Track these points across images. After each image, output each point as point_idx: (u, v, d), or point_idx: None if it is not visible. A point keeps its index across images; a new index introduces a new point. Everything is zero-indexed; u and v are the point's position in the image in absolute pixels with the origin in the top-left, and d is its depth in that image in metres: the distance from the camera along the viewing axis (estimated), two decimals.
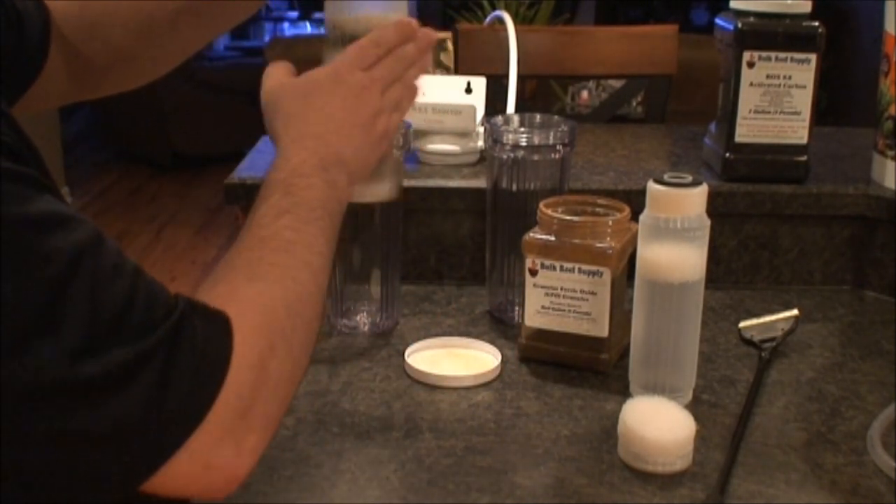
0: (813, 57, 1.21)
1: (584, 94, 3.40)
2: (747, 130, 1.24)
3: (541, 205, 1.03)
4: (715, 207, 1.00)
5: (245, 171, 1.26)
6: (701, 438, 0.88)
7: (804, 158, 1.25)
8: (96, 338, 0.56)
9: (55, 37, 0.85)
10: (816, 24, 1.22)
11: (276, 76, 0.86)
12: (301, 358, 0.70)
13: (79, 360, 0.55)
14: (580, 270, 1.00)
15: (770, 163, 1.25)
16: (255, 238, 0.72)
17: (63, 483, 0.57)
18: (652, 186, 0.92)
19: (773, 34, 1.21)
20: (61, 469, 0.57)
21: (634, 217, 0.99)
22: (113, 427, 0.57)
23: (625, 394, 0.97)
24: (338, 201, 0.79)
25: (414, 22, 0.87)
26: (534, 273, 1.02)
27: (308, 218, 0.75)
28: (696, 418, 0.88)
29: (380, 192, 1.00)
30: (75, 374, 0.55)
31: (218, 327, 0.63)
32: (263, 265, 0.70)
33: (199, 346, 0.61)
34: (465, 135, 1.30)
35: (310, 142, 0.79)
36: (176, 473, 0.60)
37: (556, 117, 1.16)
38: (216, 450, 0.61)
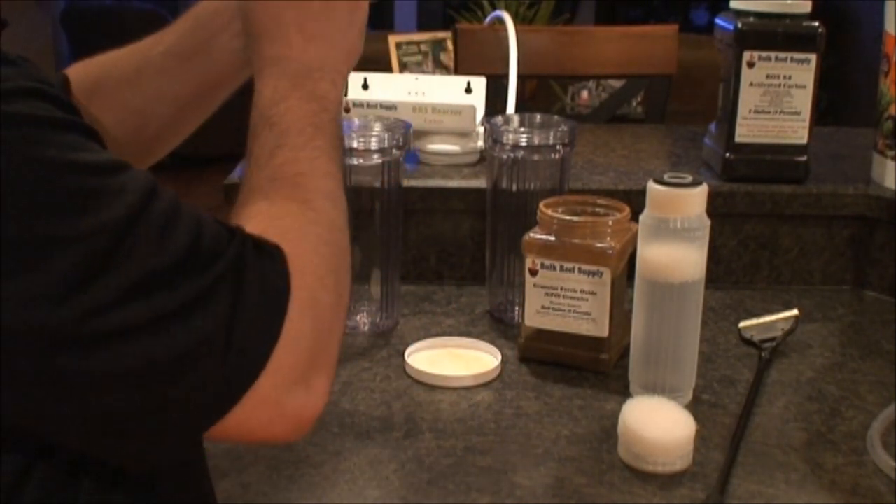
0: (813, 57, 1.21)
1: (584, 94, 3.41)
2: (747, 130, 1.24)
3: (541, 205, 1.03)
4: (715, 207, 1.00)
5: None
6: (701, 438, 0.88)
7: (804, 158, 1.25)
8: (164, 275, 0.56)
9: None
10: (816, 24, 1.22)
11: None
12: (346, 285, 0.68)
13: (147, 296, 0.55)
14: (580, 270, 1.00)
15: (770, 163, 1.25)
16: (263, 178, 0.70)
17: (132, 426, 0.57)
18: (652, 186, 0.92)
19: (773, 34, 1.21)
20: (129, 411, 0.56)
21: (634, 217, 0.99)
22: (184, 360, 0.56)
23: (625, 394, 0.97)
24: (325, 110, 0.75)
25: None
26: (534, 273, 1.02)
27: (298, 143, 0.72)
28: (696, 418, 0.88)
29: None
30: (143, 310, 0.55)
31: (272, 263, 0.62)
32: (280, 204, 0.68)
33: (262, 275, 0.60)
34: (465, 135, 1.30)
35: (274, 66, 0.76)
36: (248, 414, 0.59)
37: (556, 117, 1.16)
38: (287, 390, 0.60)
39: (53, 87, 0.59)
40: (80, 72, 0.90)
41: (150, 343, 0.55)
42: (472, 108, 1.29)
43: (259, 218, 0.67)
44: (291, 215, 0.68)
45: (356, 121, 1.13)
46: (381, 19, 5.88)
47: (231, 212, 0.70)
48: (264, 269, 0.61)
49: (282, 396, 0.60)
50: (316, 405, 0.63)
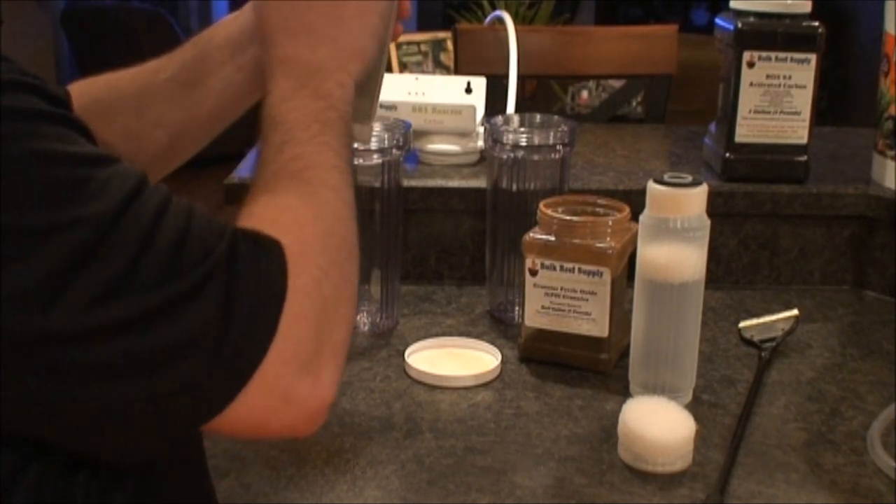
0: (813, 57, 1.21)
1: (584, 94, 3.41)
2: (747, 130, 1.24)
3: (541, 205, 1.03)
4: (715, 207, 1.00)
5: (245, 171, 1.26)
6: (701, 438, 0.88)
7: (804, 158, 1.25)
8: (150, 270, 0.56)
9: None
10: (816, 24, 1.22)
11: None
12: (352, 277, 0.68)
13: (133, 291, 0.55)
14: (580, 270, 1.00)
15: (770, 163, 1.25)
16: (269, 174, 0.71)
17: (121, 421, 0.56)
18: (652, 186, 0.92)
19: (773, 34, 1.21)
20: (118, 406, 0.56)
21: (634, 217, 0.99)
22: (171, 355, 0.56)
23: (625, 394, 0.97)
24: (331, 108, 0.75)
25: None
26: (534, 273, 1.02)
27: (303, 139, 0.72)
28: (696, 418, 0.88)
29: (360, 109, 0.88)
30: (129, 305, 0.55)
31: (272, 251, 0.62)
32: (284, 197, 0.69)
33: (256, 268, 0.60)
34: (465, 135, 1.30)
35: (283, 66, 0.76)
36: (253, 406, 0.59)
37: (556, 117, 1.16)
38: (293, 380, 0.60)
39: (39, 79, 0.59)
40: (81, 89, 0.91)
41: (137, 338, 0.55)
42: (472, 108, 1.29)
43: (263, 212, 0.67)
44: (294, 208, 0.68)
45: None
46: None
47: (235, 210, 0.70)
48: (259, 262, 0.61)
49: (287, 387, 0.60)
50: (325, 395, 0.63)
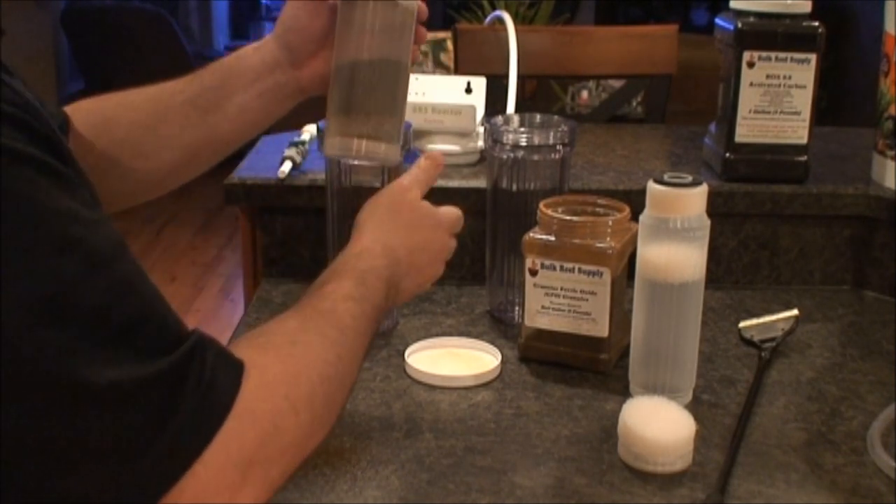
0: (813, 57, 1.21)
1: (584, 94, 3.40)
2: (747, 130, 1.24)
3: (541, 205, 1.03)
4: (715, 207, 1.00)
5: (245, 171, 1.26)
6: (701, 438, 0.88)
7: (804, 158, 1.25)
8: (104, 344, 0.54)
9: (72, 138, 0.86)
10: (816, 24, 1.22)
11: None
12: (318, 434, 0.68)
13: (84, 363, 0.53)
14: (580, 270, 1.00)
15: (770, 163, 1.25)
16: (313, 307, 0.73)
17: (54, 499, 0.55)
18: (652, 186, 0.92)
19: (773, 34, 1.21)
20: (52, 482, 0.54)
21: (634, 217, 0.99)
22: (111, 444, 0.54)
23: (625, 394, 0.97)
24: (379, 321, 0.79)
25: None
26: (534, 273, 1.02)
27: (371, 316, 0.76)
28: (696, 418, 0.88)
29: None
30: (79, 375, 0.53)
31: (230, 369, 0.61)
32: (311, 333, 0.70)
33: (207, 380, 0.59)
34: (465, 135, 1.30)
35: (387, 255, 0.81)
36: None
37: (556, 117, 1.16)
38: (210, 493, 0.58)
39: (37, 115, 0.57)
40: (91, 107, 0.91)
41: (73, 411, 0.53)
42: (472, 108, 1.29)
43: (276, 337, 0.69)
44: (310, 347, 0.69)
45: None
46: None
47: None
48: (215, 371, 0.60)
49: (203, 499, 0.58)
50: None
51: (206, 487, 0.58)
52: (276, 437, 0.63)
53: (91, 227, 0.56)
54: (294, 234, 1.26)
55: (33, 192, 0.54)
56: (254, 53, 0.93)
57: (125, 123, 0.92)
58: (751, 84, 1.22)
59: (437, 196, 1.26)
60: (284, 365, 0.66)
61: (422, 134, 1.30)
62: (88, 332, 0.54)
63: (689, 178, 0.91)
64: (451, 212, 0.91)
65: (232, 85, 0.91)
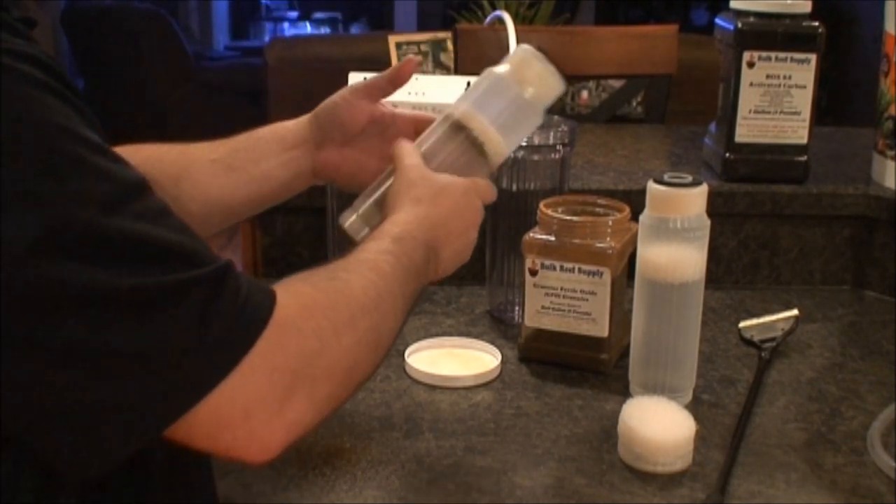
0: (813, 57, 1.21)
1: (584, 94, 3.40)
2: (747, 130, 1.24)
3: (541, 205, 1.03)
4: (715, 207, 1.00)
5: None
6: (701, 438, 0.88)
7: (804, 158, 1.25)
8: (145, 258, 0.57)
9: None
10: (816, 24, 1.22)
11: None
12: (363, 365, 0.70)
13: (125, 274, 0.56)
14: (580, 270, 1.00)
15: (770, 163, 1.25)
16: (352, 257, 0.75)
17: (92, 410, 0.56)
18: (652, 186, 0.92)
19: (773, 34, 1.21)
20: (91, 392, 0.56)
21: (634, 217, 0.99)
22: (151, 348, 0.56)
23: (625, 394, 0.97)
24: (420, 282, 0.80)
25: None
26: (534, 273, 1.02)
27: (409, 270, 0.77)
28: (696, 418, 0.88)
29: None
30: (120, 286, 0.55)
31: (263, 291, 0.64)
32: (350, 272, 0.72)
33: (244, 293, 0.61)
34: None
35: (420, 222, 0.82)
36: (213, 415, 0.59)
37: (556, 117, 1.16)
38: (256, 399, 0.60)
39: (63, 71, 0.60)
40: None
41: (113, 319, 0.55)
42: None
43: (316, 273, 0.71)
44: (349, 282, 0.71)
45: None
46: (381, 19, 5.88)
47: None
48: (251, 292, 0.62)
49: (248, 406, 0.60)
50: (282, 430, 0.62)
51: (254, 393, 0.60)
52: (319, 354, 0.65)
53: (122, 163, 0.60)
54: (294, 234, 1.26)
55: (65, 122, 0.57)
56: (289, 126, 0.96)
57: (153, 174, 0.93)
58: (751, 84, 1.23)
59: None
60: (324, 293, 0.68)
61: None
62: (128, 249, 0.57)
63: (689, 178, 0.91)
64: (471, 179, 0.90)
65: (259, 149, 0.94)
